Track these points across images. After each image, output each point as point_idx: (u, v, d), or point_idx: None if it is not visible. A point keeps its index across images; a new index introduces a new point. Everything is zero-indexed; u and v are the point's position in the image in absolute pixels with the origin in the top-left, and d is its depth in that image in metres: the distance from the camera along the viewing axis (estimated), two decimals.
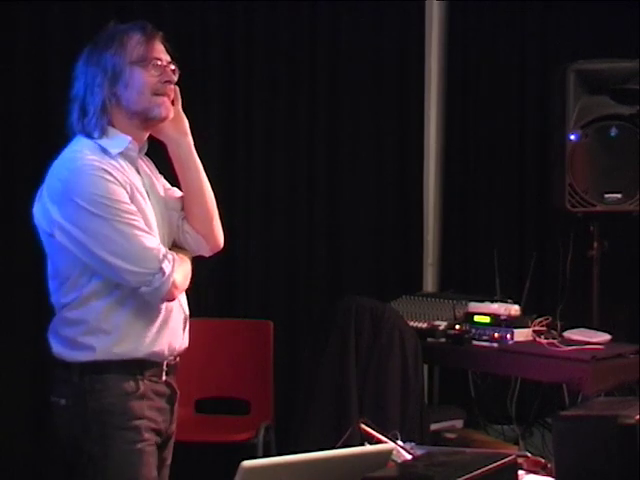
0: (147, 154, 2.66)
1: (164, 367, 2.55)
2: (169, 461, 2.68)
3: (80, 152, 2.44)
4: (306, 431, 3.97)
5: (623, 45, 4.63)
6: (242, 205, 4.62)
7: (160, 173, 2.71)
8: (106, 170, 2.40)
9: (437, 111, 5.25)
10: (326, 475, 1.81)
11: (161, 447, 2.59)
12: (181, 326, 2.59)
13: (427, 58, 5.19)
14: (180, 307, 2.59)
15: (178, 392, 2.63)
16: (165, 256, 2.44)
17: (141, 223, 2.43)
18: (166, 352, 2.54)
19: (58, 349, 2.50)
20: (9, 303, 4.08)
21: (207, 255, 2.71)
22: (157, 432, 2.54)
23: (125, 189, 2.43)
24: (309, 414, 4.02)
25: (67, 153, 2.48)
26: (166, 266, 2.42)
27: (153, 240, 2.44)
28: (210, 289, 4.44)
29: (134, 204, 2.44)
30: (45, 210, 2.44)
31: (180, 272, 2.49)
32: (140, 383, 2.49)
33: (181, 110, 2.60)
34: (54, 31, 4.15)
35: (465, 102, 5.23)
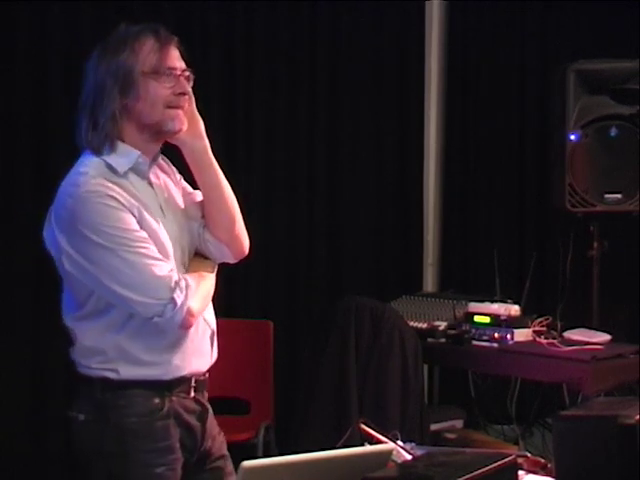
0: (164, 153, 2.53)
1: (192, 383, 2.45)
2: None
3: (85, 175, 2.32)
4: (306, 431, 3.98)
5: (623, 45, 4.64)
6: (242, 205, 4.58)
7: (180, 173, 2.59)
8: (111, 196, 2.29)
9: (437, 111, 5.26)
10: (326, 475, 1.81)
11: (198, 466, 2.49)
12: (208, 344, 2.49)
13: (427, 58, 5.19)
14: (206, 324, 2.47)
15: (210, 409, 2.52)
16: (177, 284, 2.31)
17: (151, 250, 2.31)
18: (195, 372, 2.45)
19: (81, 369, 2.41)
20: (9, 303, 4.08)
21: (232, 262, 2.57)
22: (187, 450, 2.44)
23: (132, 213, 2.31)
24: (309, 414, 4.03)
25: (73, 175, 2.36)
26: (178, 296, 2.30)
27: (164, 267, 2.32)
28: None
29: (144, 227, 2.33)
30: (53, 237, 2.34)
31: (197, 296, 2.37)
32: (166, 400, 2.39)
33: (195, 111, 2.45)
34: (54, 31, 4.14)
35: (465, 102, 5.24)
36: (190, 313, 2.33)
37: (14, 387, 4.07)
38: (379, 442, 2.33)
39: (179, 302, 2.30)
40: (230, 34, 4.60)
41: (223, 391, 4.31)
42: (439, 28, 5.22)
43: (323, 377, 4.04)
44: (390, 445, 2.26)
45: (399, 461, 2.18)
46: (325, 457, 1.81)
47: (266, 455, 4.02)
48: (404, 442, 2.40)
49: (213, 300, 2.54)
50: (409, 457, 2.27)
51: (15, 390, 4.07)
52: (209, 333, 2.49)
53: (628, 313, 4.72)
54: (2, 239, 4.07)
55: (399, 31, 5.06)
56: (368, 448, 2.12)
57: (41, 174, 4.00)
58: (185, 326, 2.35)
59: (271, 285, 4.72)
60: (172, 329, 2.35)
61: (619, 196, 4.42)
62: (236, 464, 1.72)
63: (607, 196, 4.43)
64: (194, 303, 2.35)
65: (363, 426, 2.39)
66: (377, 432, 2.37)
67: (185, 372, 2.42)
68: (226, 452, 2.57)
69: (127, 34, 2.38)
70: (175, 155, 2.54)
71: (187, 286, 2.33)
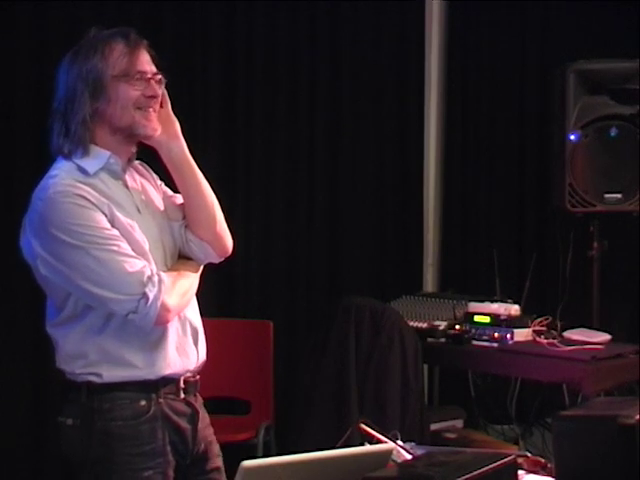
0: (144, 160, 2.55)
1: (181, 384, 2.45)
2: None
3: (54, 177, 2.33)
4: (306, 431, 3.97)
5: (623, 45, 4.64)
6: (242, 205, 4.61)
7: (161, 179, 2.59)
8: (80, 195, 2.29)
9: (437, 111, 5.26)
10: (326, 475, 1.81)
11: (194, 470, 2.49)
12: (192, 343, 2.48)
13: (427, 58, 5.19)
14: (188, 322, 2.47)
15: (200, 412, 2.51)
16: (150, 279, 2.29)
17: (122, 247, 2.30)
18: (180, 371, 2.45)
19: (67, 375, 2.41)
20: (9, 303, 4.08)
21: (216, 262, 2.57)
22: (178, 453, 2.44)
23: (103, 212, 2.31)
24: (309, 414, 4.03)
25: (44, 180, 2.37)
26: (150, 290, 2.28)
27: (137, 263, 2.30)
28: (210, 289, 4.43)
29: (116, 225, 2.32)
30: (28, 243, 2.36)
31: (175, 292, 2.36)
32: (153, 402, 2.38)
33: (171, 112, 2.46)
34: (54, 31, 4.14)
35: (465, 102, 5.24)
36: (165, 308, 2.32)
37: (14, 387, 4.06)
38: (379, 442, 2.33)
39: (151, 296, 2.29)
40: (230, 34, 4.60)
41: (223, 391, 4.32)
42: (439, 28, 5.22)
43: (323, 377, 4.04)
44: (390, 445, 2.26)
45: (399, 461, 2.18)
46: (325, 457, 1.82)
47: (266, 455, 4.02)
48: (404, 442, 2.40)
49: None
50: (409, 457, 2.27)
51: (15, 390, 4.07)
52: (193, 332, 2.49)
53: (628, 313, 4.72)
54: (2, 239, 4.07)
55: (399, 31, 5.06)
56: (368, 448, 2.12)
57: (41, 174, 4.00)
58: (161, 322, 2.34)
59: (271, 285, 4.72)
60: (148, 325, 2.33)
61: (619, 196, 4.42)
62: (236, 464, 1.72)
63: (607, 196, 4.43)
64: (169, 298, 2.33)
65: (363, 426, 2.39)
66: (377, 432, 2.37)
67: (169, 371, 2.41)
68: (221, 464, 2.57)
69: (97, 39, 2.39)
70: (154, 160, 2.53)
71: (160, 281, 2.32)
